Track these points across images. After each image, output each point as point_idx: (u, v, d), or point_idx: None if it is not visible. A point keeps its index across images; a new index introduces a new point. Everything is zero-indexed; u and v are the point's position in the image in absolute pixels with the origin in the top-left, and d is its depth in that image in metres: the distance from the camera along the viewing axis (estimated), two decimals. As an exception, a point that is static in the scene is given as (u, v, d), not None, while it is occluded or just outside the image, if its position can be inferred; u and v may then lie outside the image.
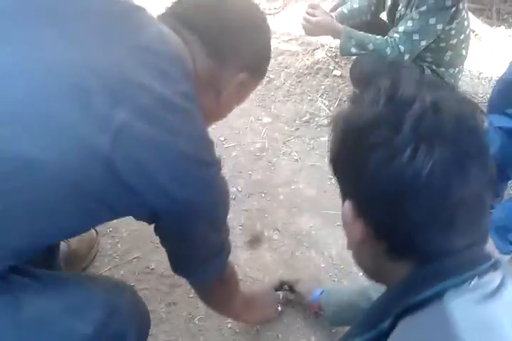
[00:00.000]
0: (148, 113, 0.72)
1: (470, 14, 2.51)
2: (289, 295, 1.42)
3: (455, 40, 1.80)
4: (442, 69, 1.88)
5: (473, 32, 2.56)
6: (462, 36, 1.81)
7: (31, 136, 0.66)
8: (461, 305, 0.54)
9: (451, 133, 0.56)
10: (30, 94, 0.66)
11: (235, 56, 0.90)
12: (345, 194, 0.67)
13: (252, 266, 1.55)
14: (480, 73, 2.38)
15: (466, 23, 1.79)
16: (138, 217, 0.85)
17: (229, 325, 1.39)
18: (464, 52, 1.89)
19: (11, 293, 0.76)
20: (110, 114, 0.69)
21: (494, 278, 0.57)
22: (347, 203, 0.65)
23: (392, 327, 0.58)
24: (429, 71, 1.87)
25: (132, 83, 0.72)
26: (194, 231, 0.87)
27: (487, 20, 2.66)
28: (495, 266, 0.59)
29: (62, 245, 1.39)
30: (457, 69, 1.91)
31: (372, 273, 0.71)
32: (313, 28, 1.83)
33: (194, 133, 0.81)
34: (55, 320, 0.79)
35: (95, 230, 1.51)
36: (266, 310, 1.36)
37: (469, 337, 0.51)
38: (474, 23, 2.57)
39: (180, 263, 0.97)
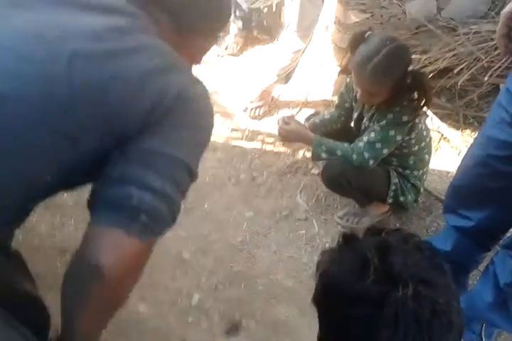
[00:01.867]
0: (97, 35, 0.82)
1: (437, 120, 2.83)
2: None
3: (416, 147, 2.04)
4: (407, 171, 2.10)
5: (442, 135, 2.83)
6: (423, 144, 2.05)
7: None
8: None
9: (426, 321, 0.67)
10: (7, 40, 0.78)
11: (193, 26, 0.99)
12: (323, 335, 0.78)
13: (229, 355, 1.63)
14: (448, 172, 2.59)
15: (425, 133, 2.04)
16: (104, 144, 0.82)
17: None
18: (426, 156, 2.12)
19: None
20: (62, 45, 0.78)
21: None
22: None
23: None
24: (395, 173, 2.08)
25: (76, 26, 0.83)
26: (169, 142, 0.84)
27: (455, 124, 2.93)
28: None
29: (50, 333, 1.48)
30: (421, 171, 2.13)
31: None
32: (287, 136, 2.09)
33: (156, 48, 0.89)
34: None
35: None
36: None
37: None
38: (442, 127, 2.86)
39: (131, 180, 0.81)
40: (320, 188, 2.37)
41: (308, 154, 2.51)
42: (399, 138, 1.93)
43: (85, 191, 0.89)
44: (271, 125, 2.72)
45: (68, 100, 0.76)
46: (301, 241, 2.11)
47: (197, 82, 0.94)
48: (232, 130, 2.69)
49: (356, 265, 0.71)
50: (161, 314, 1.73)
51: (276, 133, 2.15)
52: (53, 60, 0.76)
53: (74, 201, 2.03)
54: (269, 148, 2.59)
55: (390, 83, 1.81)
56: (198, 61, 1.11)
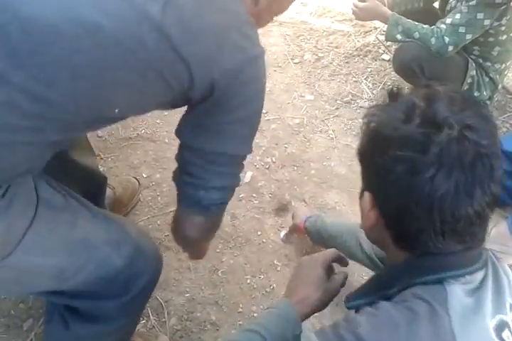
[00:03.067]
0: None
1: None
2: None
3: (504, 36, 1.83)
4: (488, 63, 1.92)
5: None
6: (512, 33, 1.83)
7: (94, 2, 0.73)
8: (456, 292, 0.68)
9: (469, 164, 0.66)
10: None
11: None
12: (367, 185, 0.78)
13: (276, 232, 1.68)
14: (532, 70, 2.37)
15: (517, 21, 1.81)
16: (191, 95, 0.85)
17: (248, 281, 1.54)
18: (513, 48, 1.91)
19: (71, 214, 0.91)
20: None
21: (479, 276, 0.71)
22: (367, 194, 0.75)
23: (396, 294, 0.73)
24: (474, 64, 1.91)
25: None
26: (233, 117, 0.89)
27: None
28: (483, 266, 0.72)
29: (108, 192, 1.56)
30: (504, 65, 1.93)
31: (378, 247, 0.85)
32: (361, 14, 1.90)
33: (242, 14, 0.85)
34: (97, 246, 0.94)
35: (137, 181, 1.67)
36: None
37: (456, 316, 0.65)
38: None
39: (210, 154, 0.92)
40: (388, 76, 2.23)
41: (382, 37, 2.33)
42: (487, 22, 1.73)
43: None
44: (344, 1, 2.49)
45: (153, 47, 0.75)
46: (360, 130, 2.03)
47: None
48: (302, 4, 2.49)
49: (402, 110, 0.70)
50: (214, 187, 1.77)
51: (350, 9, 1.96)
52: (152, 1, 0.75)
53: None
54: (339, 27, 2.41)
55: None
56: (277, 9, 1.04)
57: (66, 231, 0.90)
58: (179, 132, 0.94)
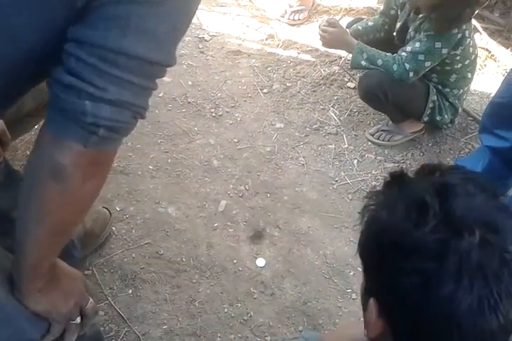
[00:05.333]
0: None
1: (486, 36, 2.64)
2: None
3: (459, 65, 1.93)
4: (447, 89, 2.01)
5: (490, 52, 2.67)
6: (467, 61, 1.93)
7: None
8: None
9: (493, 274, 0.56)
10: None
11: None
12: (370, 291, 0.67)
13: (251, 259, 1.70)
14: (490, 93, 2.46)
15: (471, 50, 1.92)
16: None
17: (225, 310, 1.55)
18: (469, 75, 2.01)
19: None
20: None
21: None
22: (372, 301, 0.65)
23: None
24: (434, 90, 2.00)
25: None
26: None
27: (504, 42, 2.75)
28: None
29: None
30: (462, 90, 2.03)
31: None
32: (329, 40, 1.99)
33: None
34: (16, 317, 0.82)
35: (108, 210, 1.67)
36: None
37: None
38: (491, 43, 2.68)
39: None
40: (354, 103, 2.31)
41: (346, 66, 2.41)
42: (444, 51, 1.84)
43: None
44: (309, 33, 2.58)
45: None
46: (330, 156, 2.09)
47: None
48: (268, 37, 2.57)
49: (412, 210, 0.60)
50: (189, 218, 1.79)
51: (315, 40, 2.06)
52: None
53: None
54: (305, 57, 2.49)
55: None
56: None
57: None
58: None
